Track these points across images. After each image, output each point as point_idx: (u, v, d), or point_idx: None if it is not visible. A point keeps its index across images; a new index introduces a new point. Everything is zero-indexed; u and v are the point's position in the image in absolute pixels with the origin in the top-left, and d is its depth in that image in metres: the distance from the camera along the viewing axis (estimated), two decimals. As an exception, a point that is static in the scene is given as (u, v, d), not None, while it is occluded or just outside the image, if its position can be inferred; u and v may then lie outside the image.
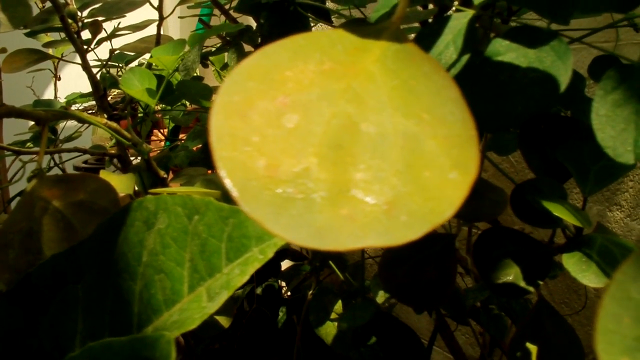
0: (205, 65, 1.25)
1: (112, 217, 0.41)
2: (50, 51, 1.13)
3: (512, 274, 0.58)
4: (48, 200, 0.49)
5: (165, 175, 0.69)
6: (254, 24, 1.05)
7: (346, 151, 0.23)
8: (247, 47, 1.10)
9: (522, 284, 0.58)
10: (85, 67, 0.77)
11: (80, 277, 0.43)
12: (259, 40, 1.05)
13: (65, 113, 0.57)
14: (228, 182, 0.21)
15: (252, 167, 0.22)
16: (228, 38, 1.11)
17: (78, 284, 0.43)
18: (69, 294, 0.43)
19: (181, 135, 1.76)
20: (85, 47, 0.83)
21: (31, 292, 0.45)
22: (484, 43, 0.45)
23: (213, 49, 1.21)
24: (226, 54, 1.25)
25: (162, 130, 1.70)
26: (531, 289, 0.58)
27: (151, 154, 1.29)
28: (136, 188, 0.78)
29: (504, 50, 0.42)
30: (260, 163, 0.22)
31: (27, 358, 0.45)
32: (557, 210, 0.54)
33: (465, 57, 0.39)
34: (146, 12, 1.07)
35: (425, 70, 0.26)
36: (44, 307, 0.44)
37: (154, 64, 0.73)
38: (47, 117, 0.55)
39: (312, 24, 0.94)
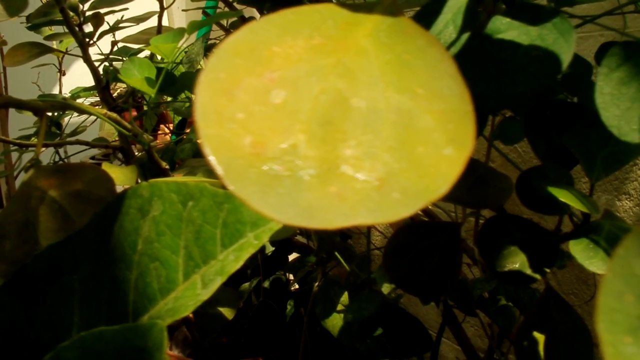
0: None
1: (107, 205, 0.40)
2: (54, 45, 1.12)
3: (518, 262, 0.57)
4: (45, 190, 0.48)
5: (167, 167, 0.68)
6: (257, 16, 1.05)
7: (336, 127, 0.22)
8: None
9: (529, 271, 0.57)
10: (87, 59, 0.76)
11: (77, 267, 0.42)
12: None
13: (63, 103, 0.56)
14: (212, 160, 0.21)
15: (238, 144, 0.21)
16: (232, 30, 1.10)
17: (74, 274, 0.42)
18: (65, 285, 0.43)
19: (188, 130, 1.75)
20: (87, 40, 0.82)
21: (28, 283, 0.44)
22: (486, 26, 0.44)
23: (217, 42, 1.20)
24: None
25: (168, 125, 1.70)
26: (538, 276, 0.57)
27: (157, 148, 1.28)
28: (139, 180, 0.77)
29: (505, 28, 0.41)
30: (246, 140, 0.21)
31: (24, 350, 0.44)
32: (563, 195, 0.53)
33: (465, 36, 0.38)
34: (148, 4, 1.07)
35: (420, 44, 0.25)
36: (40, 298, 0.43)
37: (155, 55, 0.72)
38: (44, 107, 0.55)
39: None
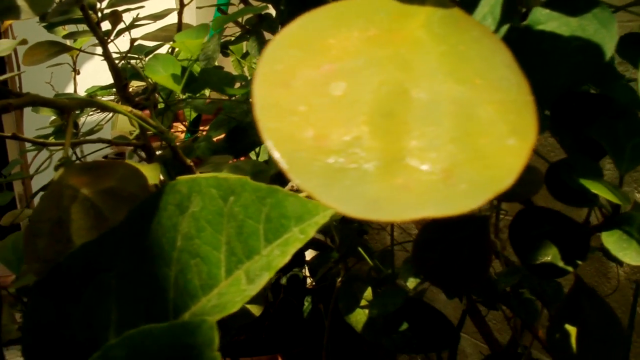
0: (225, 55, 1.24)
1: (144, 202, 0.40)
2: (69, 44, 1.12)
3: (550, 255, 0.57)
4: (76, 188, 0.48)
5: (191, 164, 0.68)
6: (273, 12, 1.04)
7: (398, 119, 0.22)
8: (267, 36, 1.09)
9: (561, 264, 0.56)
10: (107, 56, 0.76)
11: (113, 265, 0.42)
12: (280, 27, 1.03)
13: (89, 101, 0.56)
14: (276, 154, 0.20)
15: (300, 137, 0.21)
16: (248, 27, 1.09)
17: (110, 272, 0.42)
18: (101, 283, 0.42)
19: (202, 127, 1.75)
20: (105, 38, 0.82)
21: (62, 282, 0.44)
22: (526, 18, 0.44)
23: (232, 39, 1.20)
24: (245, 42, 1.24)
25: (183, 122, 1.70)
26: (570, 269, 0.56)
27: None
28: (162, 178, 0.77)
29: (545, 19, 0.40)
30: (309, 133, 0.21)
31: (59, 350, 0.44)
32: (595, 187, 0.53)
33: (505, 28, 0.38)
34: (162, 2, 1.06)
35: (474, 35, 0.25)
36: (75, 297, 0.43)
37: (177, 49, 0.72)
38: (71, 105, 0.55)
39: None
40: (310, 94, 0.22)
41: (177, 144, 1.49)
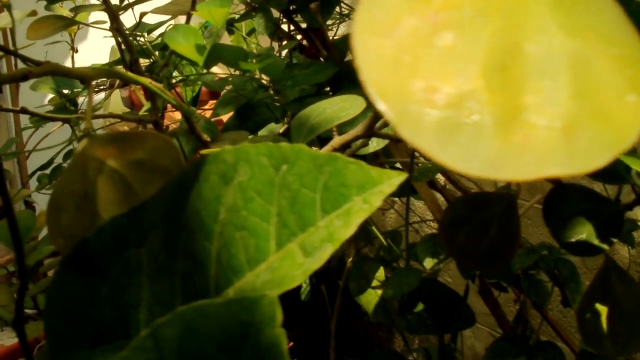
0: (231, 32, 1.22)
1: (182, 173, 0.38)
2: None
3: (585, 232, 0.55)
4: (102, 160, 0.46)
5: (208, 139, 0.66)
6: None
7: (511, 72, 0.20)
8: (275, 13, 1.06)
9: (596, 242, 0.55)
10: (118, 29, 0.73)
11: (144, 240, 0.40)
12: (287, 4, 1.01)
13: (110, 71, 0.53)
14: (382, 107, 0.18)
15: (409, 90, 0.19)
16: (254, 4, 1.07)
17: (142, 247, 0.40)
18: (131, 259, 0.40)
19: (210, 102, 1.72)
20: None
21: (89, 258, 0.41)
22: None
23: (237, 17, 1.18)
24: (250, 20, 1.22)
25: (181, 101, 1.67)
26: (606, 247, 0.55)
27: (171, 127, 1.26)
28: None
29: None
30: (418, 85, 0.19)
31: (85, 329, 0.42)
32: (634, 163, 0.51)
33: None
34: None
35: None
36: (103, 274, 0.41)
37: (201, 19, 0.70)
38: (92, 74, 0.52)
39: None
40: (415, 44, 0.20)
41: (171, 124, 1.46)
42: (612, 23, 0.22)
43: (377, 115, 0.53)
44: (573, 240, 0.55)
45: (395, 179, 0.29)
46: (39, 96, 1.29)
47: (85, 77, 0.52)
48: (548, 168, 0.18)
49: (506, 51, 0.20)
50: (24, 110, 0.74)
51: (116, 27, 0.74)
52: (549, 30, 0.21)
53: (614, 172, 0.57)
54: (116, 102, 2.27)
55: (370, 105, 0.57)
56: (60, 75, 0.53)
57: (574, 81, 0.20)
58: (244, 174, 0.34)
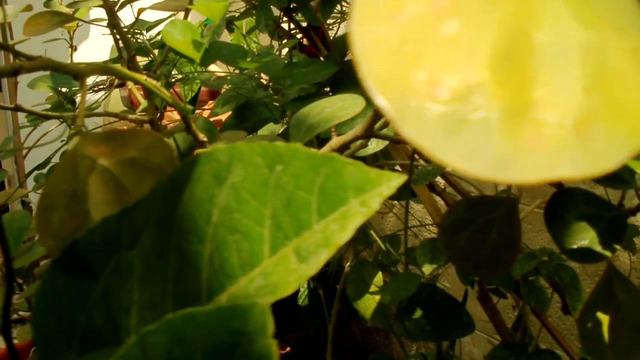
0: (230, 30, 1.21)
1: (175, 172, 0.37)
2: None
3: (587, 238, 0.54)
4: (94, 158, 0.44)
5: (204, 139, 0.64)
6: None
7: (520, 64, 0.18)
8: (275, 11, 1.05)
9: (599, 248, 0.54)
10: (115, 25, 0.72)
11: (136, 241, 0.39)
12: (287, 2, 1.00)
13: (104, 67, 0.52)
14: (381, 101, 0.17)
15: (409, 82, 0.18)
16: (254, 2, 1.06)
17: (133, 249, 0.38)
18: (122, 261, 0.39)
19: (210, 103, 1.71)
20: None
21: (79, 260, 0.40)
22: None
23: (237, 14, 1.16)
24: (250, 18, 1.21)
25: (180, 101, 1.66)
26: (608, 253, 0.54)
27: (169, 126, 1.25)
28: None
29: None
30: (419, 77, 0.18)
31: (75, 333, 0.40)
32: (636, 165, 0.50)
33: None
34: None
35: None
36: (94, 276, 0.40)
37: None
38: (85, 71, 0.51)
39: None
40: (418, 33, 0.18)
41: (170, 124, 1.45)
42: (627, 14, 0.20)
43: (377, 116, 0.51)
44: (575, 246, 0.53)
45: (394, 181, 0.28)
46: (40, 95, 1.27)
47: (79, 73, 0.51)
48: (559, 169, 0.17)
49: (515, 41, 0.19)
50: (19, 108, 0.72)
51: (113, 23, 0.73)
52: (561, 19, 0.19)
53: (618, 175, 0.56)
54: (116, 101, 2.27)
55: (369, 106, 0.56)
56: (52, 70, 0.51)
57: (587, 74, 0.19)
58: (238, 175, 0.33)
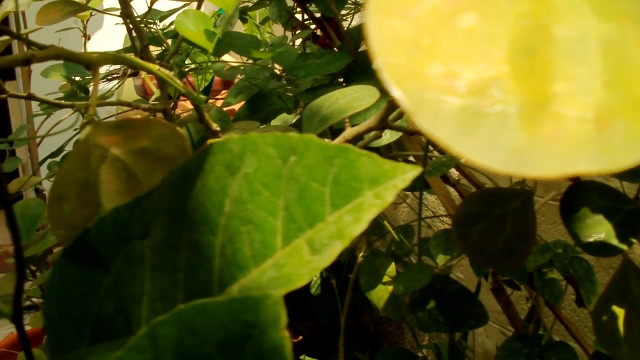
0: (244, 20, 1.20)
1: (187, 162, 0.36)
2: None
3: (603, 232, 0.53)
4: (106, 148, 0.44)
5: (218, 128, 0.64)
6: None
7: (539, 58, 0.18)
8: (288, 2, 1.05)
9: (615, 242, 0.53)
10: (128, 15, 0.72)
11: (147, 231, 0.38)
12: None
13: (116, 56, 0.52)
14: (398, 94, 0.17)
15: (426, 75, 0.17)
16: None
17: (144, 239, 0.38)
18: (133, 251, 0.39)
19: (223, 92, 1.71)
20: None
21: (90, 249, 0.40)
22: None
23: (250, 4, 1.16)
24: (264, 9, 1.20)
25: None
26: (625, 247, 0.53)
27: (182, 115, 1.24)
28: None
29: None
30: (436, 70, 0.17)
31: (86, 323, 0.40)
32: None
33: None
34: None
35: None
36: (105, 266, 0.39)
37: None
38: (98, 60, 0.51)
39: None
40: (434, 25, 0.18)
41: (183, 113, 1.45)
42: (648, 7, 0.20)
43: (391, 107, 0.51)
44: (591, 239, 0.53)
45: (409, 173, 0.28)
46: (53, 83, 1.27)
47: (91, 63, 0.51)
48: (578, 164, 0.17)
49: (534, 34, 0.18)
50: (32, 97, 0.72)
51: (126, 13, 0.73)
52: (581, 12, 0.19)
53: (634, 169, 0.55)
54: (129, 90, 2.27)
55: (383, 97, 0.55)
56: (65, 59, 0.51)
57: (607, 68, 0.18)
58: (251, 165, 0.32)
